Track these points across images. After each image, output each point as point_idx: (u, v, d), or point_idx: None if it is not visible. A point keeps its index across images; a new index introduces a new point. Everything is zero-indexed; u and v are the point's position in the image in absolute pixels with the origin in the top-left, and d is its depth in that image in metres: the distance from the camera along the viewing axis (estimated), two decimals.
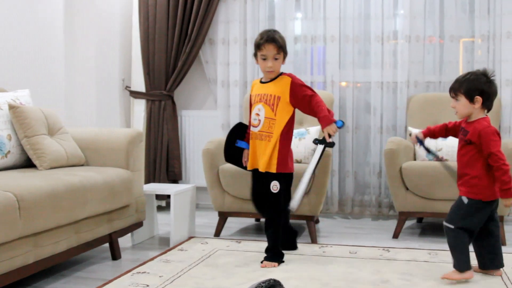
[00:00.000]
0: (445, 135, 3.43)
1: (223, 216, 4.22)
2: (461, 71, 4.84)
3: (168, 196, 4.80)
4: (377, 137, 4.90)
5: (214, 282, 3.02)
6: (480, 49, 4.77)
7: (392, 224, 4.51)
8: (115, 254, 3.55)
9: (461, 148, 3.16)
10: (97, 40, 5.00)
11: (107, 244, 3.55)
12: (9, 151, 3.32)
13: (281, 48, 3.40)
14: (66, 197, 2.93)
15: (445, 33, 4.82)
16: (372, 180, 4.93)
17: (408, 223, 4.68)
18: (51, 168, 3.36)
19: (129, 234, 3.88)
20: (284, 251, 3.50)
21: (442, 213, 4.04)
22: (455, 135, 3.32)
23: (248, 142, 3.57)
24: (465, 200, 3.07)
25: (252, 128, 3.48)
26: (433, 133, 3.44)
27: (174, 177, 5.23)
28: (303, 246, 3.84)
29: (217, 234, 4.20)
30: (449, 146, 4.24)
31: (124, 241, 3.85)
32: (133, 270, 3.25)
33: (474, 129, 3.06)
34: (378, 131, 4.90)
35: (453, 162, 4.08)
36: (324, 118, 3.36)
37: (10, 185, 2.67)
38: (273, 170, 3.38)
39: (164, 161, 5.20)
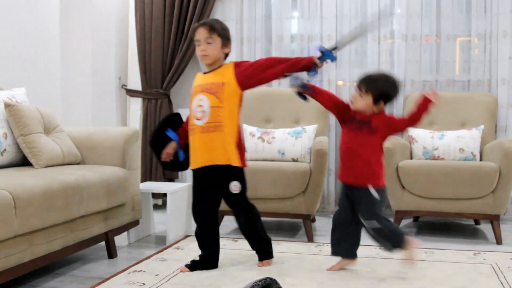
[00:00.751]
0: (329, 107, 3.30)
1: (219, 215, 4.21)
2: (458, 70, 4.85)
3: (165, 195, 4.79)
4: None
5: (210, 281, 3.01)
6: (476, 48, 4.78)
7: None
8: (111, 253, 3.55)
9: (359, 136, 3.11)
10: (93, 39, 4.99)
11: (103, 243, 3.54)
12: (5, 150, 3.31)
13: (214, 30, 3.20)
14: (62, 195, 2.92)
15: (441, 32, 4.83)
16: None
17: (405, 222, 4.68)
18: (47, 166, 3.35)
19: (125, 233, 3.88)
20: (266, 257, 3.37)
21: (438, 211, 4.06)
22: (340, 116, 3.24)
23: (180, 136, 3.32)
24: (374, 193, 3.09)
25: (196, 122, 3.19)
26: (321, 92, 3.33)
27: (170, 175, 5.22)
28: (299, 245, 3.84)
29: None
30: (445, 145, 4.25)
31: (120, 240, 3.84)
32: (129, 268, 3.24)
33: (378, 119, 3.10)
34: None
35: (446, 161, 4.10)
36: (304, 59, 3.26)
37: (6, 184, 2.66)
38: (237, 163, 3.17)
39: None
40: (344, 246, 3.23)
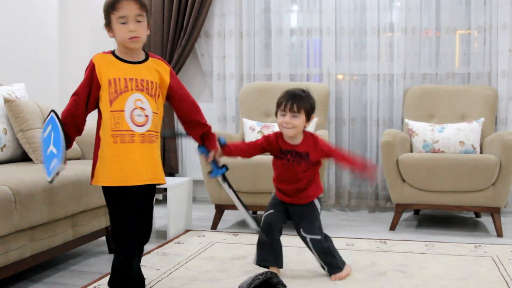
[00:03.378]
0: (247, 156, 3.08)
1: (220, 209, 4.22)
2: (457, 63, 4.84)
3: (165, 189, 4.78)
4: (373, 130, 4.91)
5: (210, 275, 3.01)
6: (476, 41, 4.77)
7: (389, 216, 4.51)
8: (112, 248, 3.54)
9: (297, 167, 2.96)
10: (91, 34, 4.98)
11: (103, 238, 3.55)
12: (4, 145, 3.30)
13: (145, 7, 2.49)
14: (62, 190, 2.92)
15: (441, 25, 4.82)
16: None
17: (405, 215, 4.68)
18: None
19: None
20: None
21: (439, 204, 4.06)
22: (270, 152, 3.05)
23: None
24: (317, 206, 3.06)
25: (133, 127, 2.46)
26: (232, 151, 3.00)
27: (171, 170, 5.22)
28: (299, 239, 3.83)
29: (214, 227, 4.20)
30: (445, 137, 4.24)
31: None
32: None
33: (311, 146, 2.98)
34: (374, 123, 4.90)
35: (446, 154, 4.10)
36: (211, 133, 2.77)
37: (6, 179, 2.66)
38: (163, 180, 2.64)
39: (160, 154, 5.18)
40: (270, 252, 3.03)
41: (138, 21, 2.46)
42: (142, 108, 2.46)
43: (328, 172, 4.93)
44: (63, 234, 3.01)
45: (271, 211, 3.07)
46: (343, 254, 3.39)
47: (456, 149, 4.23)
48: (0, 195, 2.51)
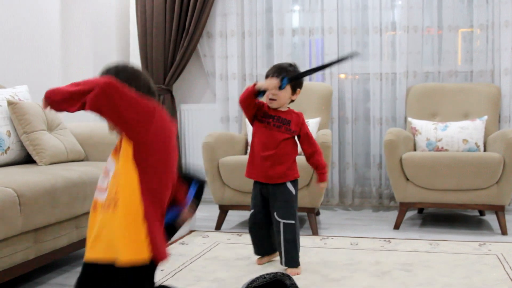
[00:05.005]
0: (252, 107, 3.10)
1: (224, 209, 4.22)
2: (460, 60, 4.83)
3: None
4: (376, 128, 4.90)
5: (215, 275, 3.02)
6: (478, 39, 4.75)
7: (393, 215, 4.51)
8: None
9: (278, 134, 3.06)
10: (94, 35, 4.99)
11: None
12: (8, 147, 3.31)
13: None
14: (66, 192, 2.92)
15: (443, 23, 4.80)
16: (373, 172, 4.92)
17: (409, 214, 4.68)
18: (51, 163, 3.36)
19: None
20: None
21: (443, 203, 4.05)
22: (253, 114, 3.09)
23: None
24: (292, 190, 3.09)
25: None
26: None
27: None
28: (304, 238, 3.83)
29: (218, 227, 4.19)
30: (448, 136, 4.24)
31: None
32: None
33: (295, 118, 3.12)
34: (377, 122, 4.90)
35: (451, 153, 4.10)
36: None
37: (10, 181, 2.67)
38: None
39: None
40: (266, 244, 3.23)
41: None
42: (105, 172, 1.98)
43: (332, 171, 4.92)
44: (68, 236, 3.02)
45: (252, 211, 3.20)
46: (348, 254, 3.41)
47: (459, 147, 4.22)
48: (4, 197, 2.51)
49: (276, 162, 3.06)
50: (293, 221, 3.04)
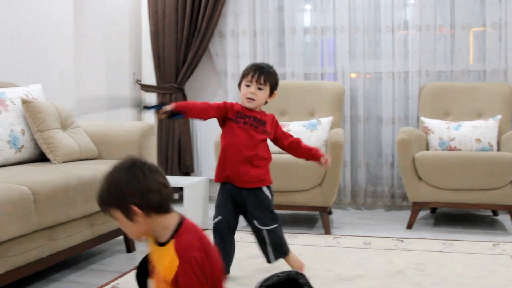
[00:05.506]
0: (211, 116, 2.92)
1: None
2: (472, 59, 4.81)
3: (181, 189, 4.78)
4: (389, 128, 4.88)
5: (227, 275, 3.01)
6: (491, 38, 4.72)
7: (406, 214, 4.49)
8: (130, 247, 3.56)
9: (254, 133, 2.88)
10: (106, 34, 5.01)
11: (121, 237, 3.56)
12: (22, 146, 3.33)
13: None
14: (80, 190, 2.93)
15: (455, 22, 4.78)
16: (385, 171, 4.91)
17: (422, 213, 4.66)
18: (64, 161, 3.37)
19: None
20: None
21: (456, 203, 4.04)
22: (222, 117, 2.93)
23: None
24: (268, 194, 2.93)
25: None
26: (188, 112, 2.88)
27: (186, 169, 5.24)
28: (317, 237, 3.83)
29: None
30: (461, 135, 4.22)
31: None
32: None
33: (269, 119, 2.97)
34: (390, 121, 4.88)
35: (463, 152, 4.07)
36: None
37: (25, 179, 2.68)
38: None
39: (176, 154, 5.21)
40: (228, 260, 2.93)
41: None
42: None
43: (344, 170, 4.91)
44: (82, 234, 3.03)
45: (219, 217, 2.92)
46: (360, 253, 3.40)
47: (472, 147, 4.21)
48: (19, 195, 2.53)
49: (255, 164, 2.88)
50: (274, 226, 2.91)
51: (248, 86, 2.89)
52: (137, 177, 1.78)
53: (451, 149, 4.24)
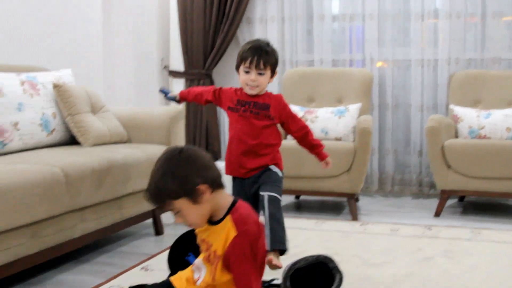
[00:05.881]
0: (204, 103, 2.92)
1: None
2: (504, 48, 4.73)
3: None
4: (417, 115, 4.85)
5: None
6: None
7: (433, 203, 4.47)
8: (158, 230, 3.60)
9: (255, 120, 2.68)
10: (135, 21, 5.03)
11: (150, 220, 3.59)
12: (54, 129, 3.37)
13: None
14: (110, 173, 2.97)
15: (486, 10, 4.71)
16: (413, 159, 4.88)
17: (449, 202, 4.63)
18: (94, 145, 3.40)
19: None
20: None
21: (484, 191, 4.00)
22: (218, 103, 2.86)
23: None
24: (279, 172, 2.72)
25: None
26: (186, 97, 2.96)
27: (213, 155, 5.26)
28: (344, 223, 3.83)
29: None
30: (491, 123, 4.17)
31: (166, 218, 3.88)
32: None
33: (273, 101, 2.73)
34: (418, 109, 4.85)
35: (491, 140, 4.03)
36: None
37: (57, 161, 2.72)
38: None
39: (203, 139, 5.23)
40: None
41: None
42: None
43: (372, 157, 4.89)
44: (111, 216, 3.07)
45: None
46: (388, 240, 3.39)
47: (502, 136, 4.16)
48: (51, 176, 2.57)
49: (260, 153, 2.70)
50: (277, 195, 2.65)
51: (247, 72, 2.67)
52: (190, 160, 1.85)
53: (480, 138, 4.19)
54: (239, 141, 2.70)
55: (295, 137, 2.85)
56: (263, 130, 2.69)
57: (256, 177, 2.71)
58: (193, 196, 1.84)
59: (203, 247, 2.00)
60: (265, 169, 2.70)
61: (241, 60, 2.70)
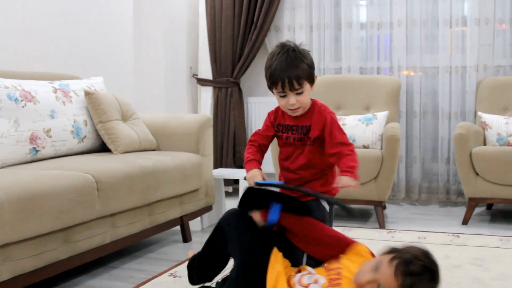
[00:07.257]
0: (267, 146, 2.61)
1: None
2: None
3: (235, 182, 4.86)
4: (445, 123, 4.83)
5: None
6: None
7: (461, 211, 4.44)
8: (186, 237, 3.63)
9: (304, 149, 2.41)
10: (165, 29, 5.10)
11: (178, 227, 3.63)
12: (85, 136, 3.43)
13: None
14: (141, 179, 3.01)
15: None
16: (440, 166, 4.86)
17: (477, 210, 4.60)
18: (125, 152, 3.46)
19: (199, 218, 3.95)
20: None
21: None
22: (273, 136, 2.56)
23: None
24: (326, 206, 2.47)
25: None
26: (260, 161, 2.51)
27: (241, 163, 5.29)
28: (371, 231, 3.83)
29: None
30: None
31: (194, 225, 3.92)
32: None
33: (315, 117, 2.38)
34: (446, 116, 4.83)
35: None
36: None
37: (89, 168, 2.78)
38: None
39: (231, 147, 5.27)
40: None
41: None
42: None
43: (399, 165, 4.88)
44: (141, 222, 3.11)
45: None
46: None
47: None
48: (84, 182, 2.62)
49: (319, 177, 2.44)
50: None
51: (283, 97, 2.32)
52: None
53: (509, 145, 4.16)
54: (287, 172, 2.49)
55: (328, 155, 2.37)
56: (311, 154, 2.40)
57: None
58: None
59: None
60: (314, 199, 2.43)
61: (271, 83, 2.33)
